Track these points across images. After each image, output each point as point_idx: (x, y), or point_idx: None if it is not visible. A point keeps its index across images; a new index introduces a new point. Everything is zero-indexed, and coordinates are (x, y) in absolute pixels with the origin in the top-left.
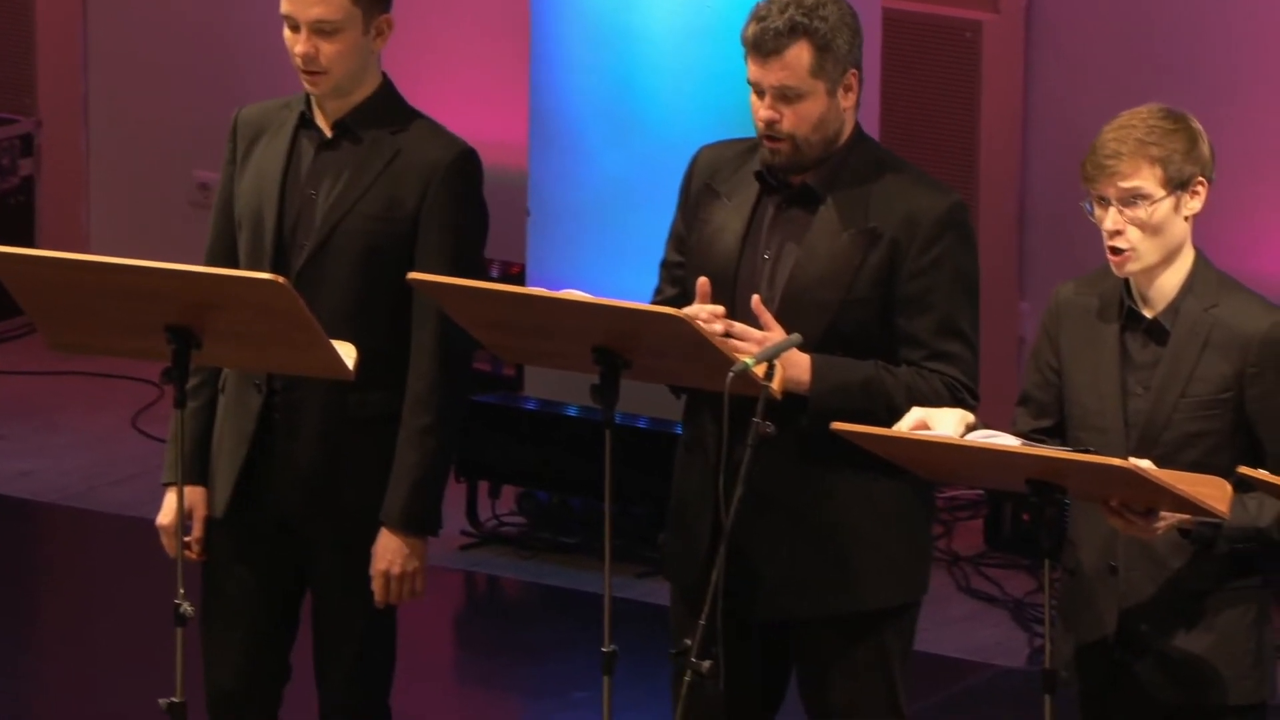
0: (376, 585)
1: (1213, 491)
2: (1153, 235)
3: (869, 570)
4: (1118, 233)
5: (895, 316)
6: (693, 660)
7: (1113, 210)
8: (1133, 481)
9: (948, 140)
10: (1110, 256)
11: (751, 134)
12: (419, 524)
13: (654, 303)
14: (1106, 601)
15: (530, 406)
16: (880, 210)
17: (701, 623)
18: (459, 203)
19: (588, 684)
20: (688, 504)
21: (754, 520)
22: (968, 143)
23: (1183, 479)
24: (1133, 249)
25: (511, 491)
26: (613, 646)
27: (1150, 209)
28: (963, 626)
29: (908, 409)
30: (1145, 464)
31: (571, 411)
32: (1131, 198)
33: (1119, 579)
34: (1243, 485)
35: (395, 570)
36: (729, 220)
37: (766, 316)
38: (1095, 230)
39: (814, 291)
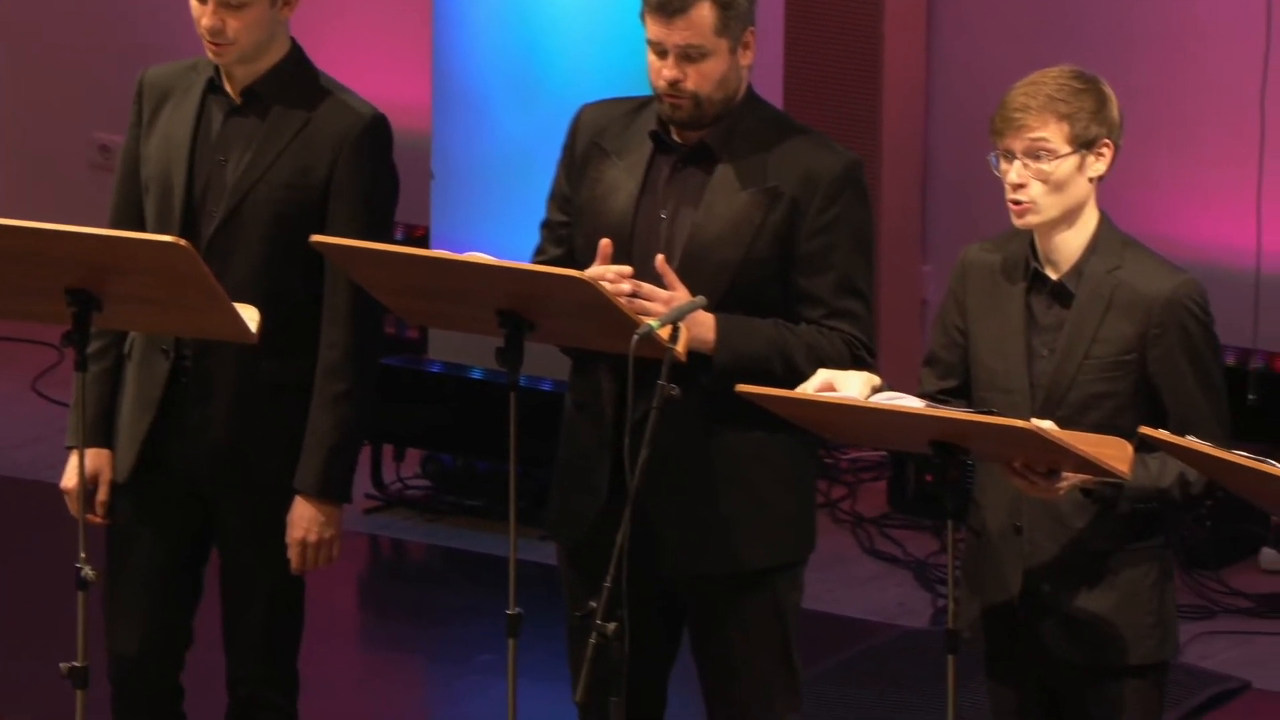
0: (293, 553)
1: (1114, 452)
2: (1055, 191)
3: (765, 527)
4: (1020, 186)
5: (795, 275)
6: (599, 622)
7: (1017, 163)
8: (1035, 443)
9: (850, 103)
10: (1011, 209)
11: (647, 94)
12: (334, 491)
13: (536, 263)
14: (1011, 562)
15: (435, 369)
16: (779, 169)
17: (607, 585)
18: (369, 170)
19: (493, 647)
20: (578, 463)
21: (652, 479)
22: (870, 106)
23: (1084, 440)
24: (1033, 202)
25: (416, 455)
26: (518, 609)
27: (1054, 164)
28: (866, 587)
29: (808, 367)
30: (1047, 425)
31: (476, 374)
32: (1036, 151)
33: (1023, 539)
34: (1145, 446)
35: (312, 538)
36: (622, 180)
37: (671, 276)
38: (998, 193)
39: (714, 251)
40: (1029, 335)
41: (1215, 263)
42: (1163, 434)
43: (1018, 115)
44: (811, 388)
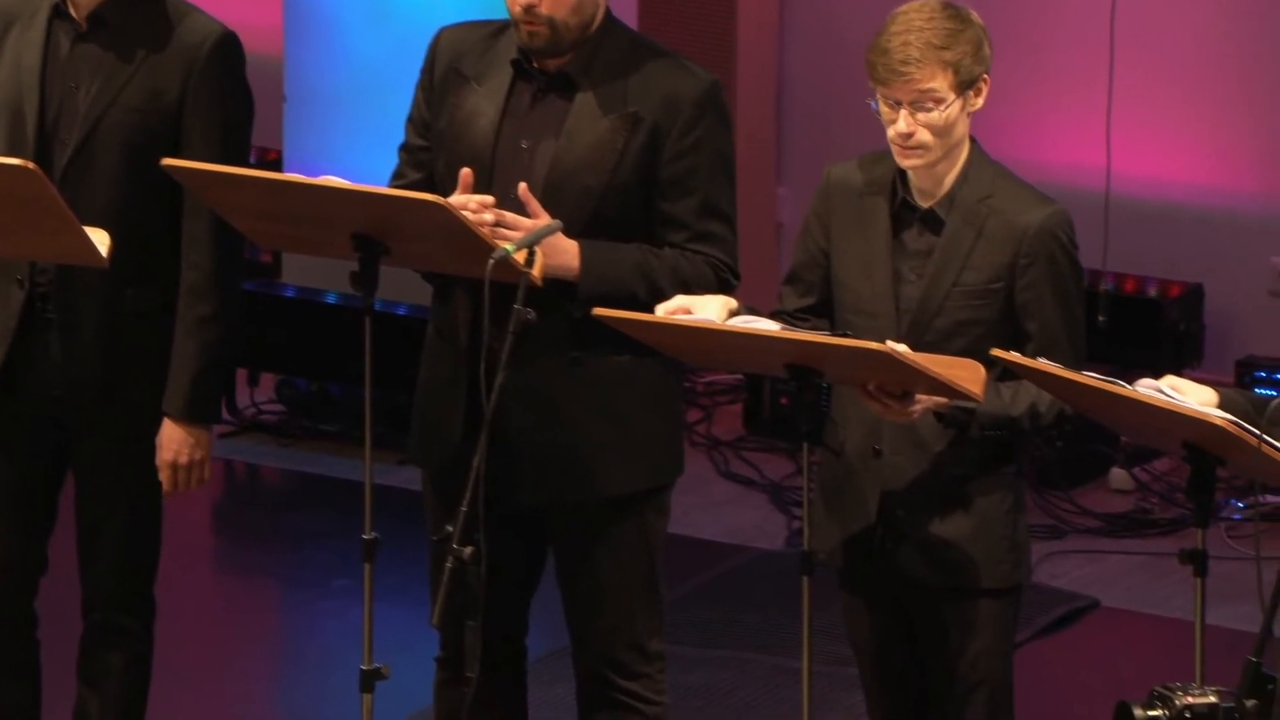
0: (164, 476)
1: (967, 374)
2: (942, 135)
3: (628, 453)
4: (910, 134)
5: (658, 200)
6: (455, 546)
7: (904, 114)
8: (889, 365)
9: (706, 25)
10: (897, 152)
11: (504, 17)
12: (202, 413)
13: (393, 186)
14: (869, 484)
15: (289, 294)
16: (639, 94)
17: (463, 509)
18: (222, 89)
19: (349, 571)
20: (438, 390)
21: (513, 406)
22: (725, 27)
23: (938, 362)
24: (921, 147)
25: (270, 379)
26: (374, 534)
27: (943, 112)
28: (722, 510)
29: (673, 291)
30: (901, 347)
31: (330, 299)
32: (924, 102)
33: (882, 462)
34: (1007, 374)
35: (182, 460)
36: (482, 106)
37: (534, 204)
38: (853, 115)
39: (576, 178)
40: (896, 260)
41: (1065, 185)
42: (1015, 356)
43: (904, 68)
44: (665, 311)
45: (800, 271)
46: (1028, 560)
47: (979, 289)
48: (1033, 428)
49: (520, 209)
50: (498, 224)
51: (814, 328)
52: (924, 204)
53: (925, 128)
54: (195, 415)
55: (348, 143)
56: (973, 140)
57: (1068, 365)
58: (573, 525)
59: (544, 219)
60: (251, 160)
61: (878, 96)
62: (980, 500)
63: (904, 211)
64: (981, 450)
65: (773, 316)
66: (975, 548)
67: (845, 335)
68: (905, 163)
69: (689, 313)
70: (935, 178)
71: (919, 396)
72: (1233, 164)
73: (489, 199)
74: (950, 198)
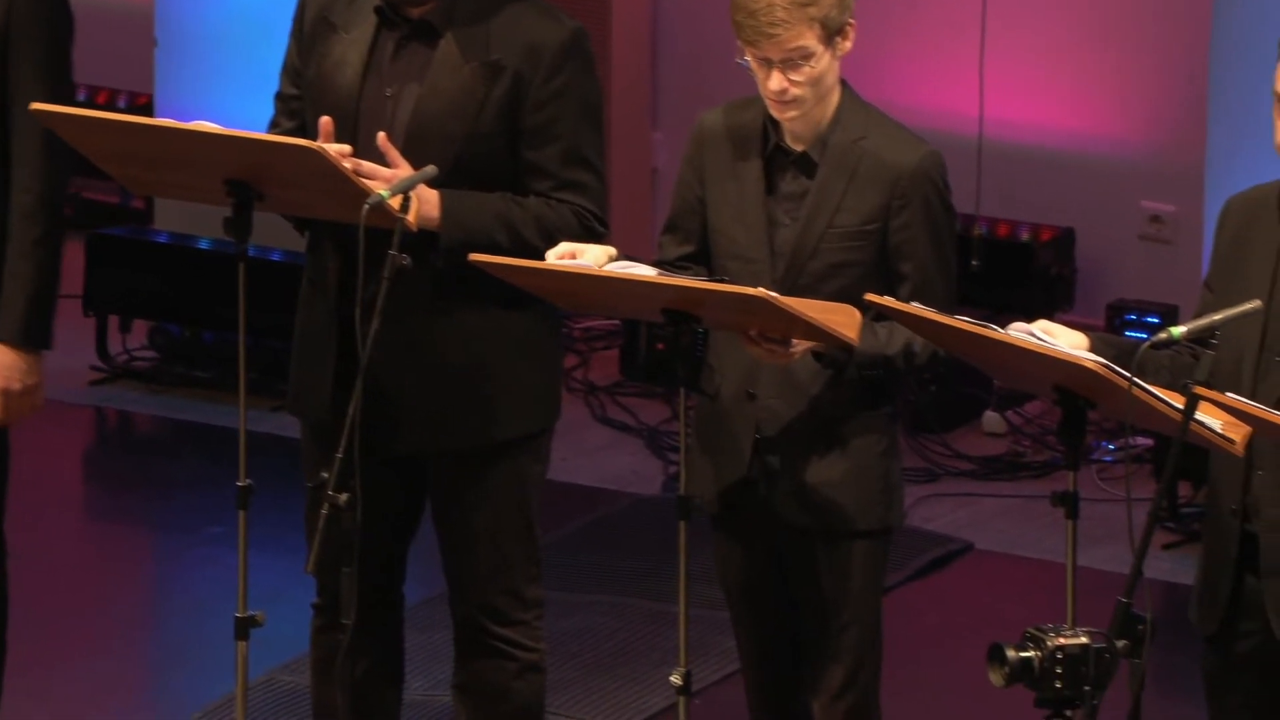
0: None
1: (842, 319)
2: (814, 86)
3: (502, 401)
4: (784, 90)
5: (522, 148)
6: (330, 493)
7: (776, 73)
8: (765, 309)
9: None
10: (777, 112)
11: None
12: (37, 338)
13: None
14: (744, 427)
15: (161, 239)
16: (502, 42)
17: (339, 456)
18: (44, 9)
19: (223, 518)
20: (313, 338)
21: (387, 355)
22: None
23: (813, 306)
24: (798, 100)
25: (143, 326)
26: (248, 481)
27: (814, 66)
28: (599, 455)
29: (538, 240)
30: (773, 295)
31: (203, 244)
32: (795, 60)
33: (757, 405)
34: (881, 316)
35: (15, 386)
36: (348, 54)
37: (393, 153)
38: (728, 60)
39: (438, 126)
40: (770, 204)
41: (939, 130)
42: (888, 300)
43: (771, 29)
44: (553, 257)
45: (678, 220)
46: (901, 503)
47: (853, 231)
48: (908, 368)
49: (384, 158)
50: (355, 173)
51: (694, 274)
52: (797, 148)
53: (797, 83)
54: (31, 340)
55: (221, 88)
56: (844, 83)
57: (941, 306)
58: (448, 472)
59: (404, 168)
60: (122, 105)
61: (747, 54)
62: (855, 443)
63: (777, 155)
64: (856, 393)
65: (654, 266)
66: (849, 490)
67: (722, 280)
68: (782, 117)
69: (574, 258)
70: (809, 122)
71: (795, 339)
72: (1104, 109)
73: (345, 148)
74: (823, 141)
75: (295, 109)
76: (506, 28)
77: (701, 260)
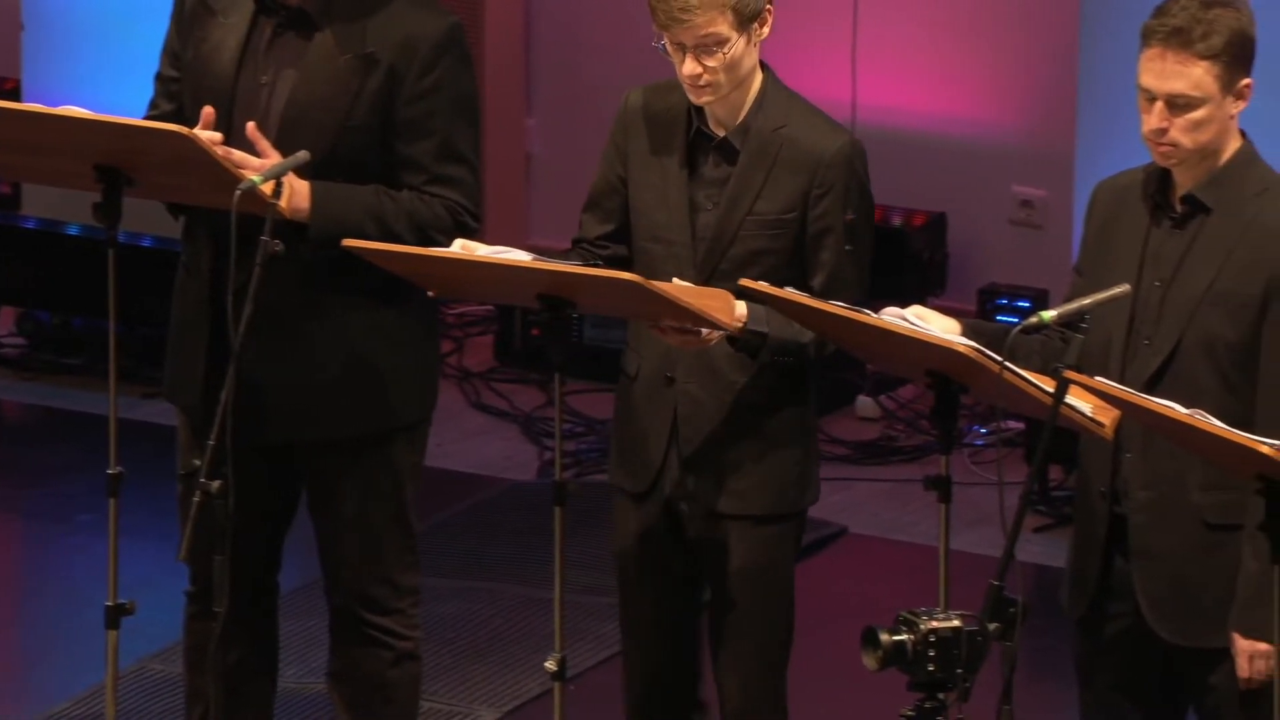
0: None
1: (717, 304)
2: (730, 71)
3: (376, 391)
4: (698, 75)
5: (395, 141)
6: (202, 480)
7: (690, 58)
8: (638, 294)
9: None
10: (693, 96)
11: None
12: None
13: (149, 118)
14: (662, 410)
15: (29, 225)
16: (378, 35)
17: (210, 443)
18: None
19: (93, 506)
20: (187, 325)
21: (261, 342)
22: None
23: (688, 291)
24: (712, 84)
25: (11, 312)
26: (119, 468)
27: (728, 52)
28: (474, 441)
29: (408, 234)
30: (637, 278)
31: (73, 230)
32: (709, 45)
33: (675, 389)
34: (751, 296)
35: None
36: (225, 39)
37: (263, 143)
38: (602, 45)
39: (311, 116)
40: (693, 188)
41: None
42: (762, 285)
43: (683, 15)
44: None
45: (599, 198)
46: (816, 485)
47: (772, 218)
48: (818, 356)
49: (254, 147)
50: (227, 160)
51: (612, 255)
52: (719, 133)
53: (711, 69)
54: None
55: (91, 72)
56: (767, 69)
57: (854, 294)
58: (323, 461)
59: (274, 157)
60: None
61: (663, 39)
62: (771, 428)
63: (700, 140)
64: (774, 378)
65: (573, 244)
66: (763, 474)
67: (595, 265)
68: (697, 100)
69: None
70: (730, 107)
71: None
72: (975, 95)
73: (216, 135)
74: (745, 127)
75: (174, 91)
76: (383, 20)
77: (622, 239)
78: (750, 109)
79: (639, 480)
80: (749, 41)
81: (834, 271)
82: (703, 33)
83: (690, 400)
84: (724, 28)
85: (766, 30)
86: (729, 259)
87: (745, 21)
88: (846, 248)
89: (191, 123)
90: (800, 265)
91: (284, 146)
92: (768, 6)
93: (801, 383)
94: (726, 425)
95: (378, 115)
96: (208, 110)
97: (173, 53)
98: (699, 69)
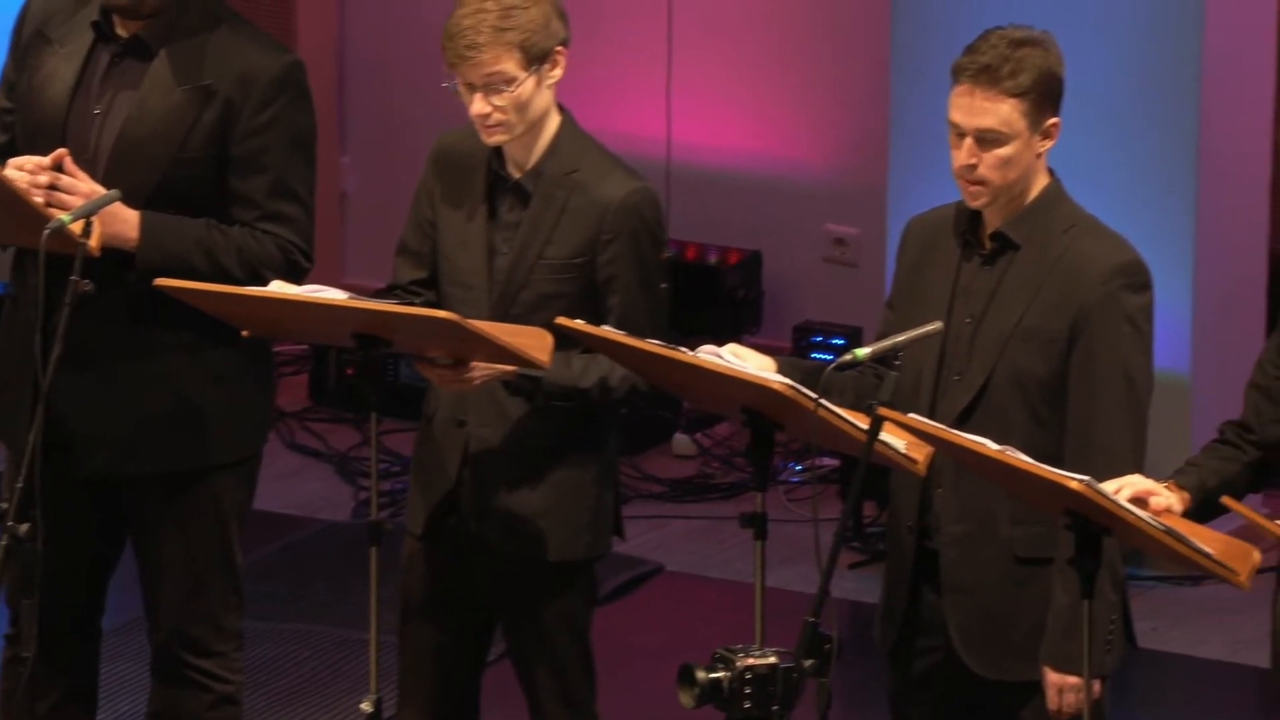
0: None
1: (533, 342)
2: (519, 111)
3: (201, 426)
4: (487, 114)
5: (229, 176)
6: (10, 524)
7: (478, 97)
8: (455, 333)
9: None
10: (484, 136)
11: None
12: None
13: None
14: (452, 452)
15: None
16: (216, 67)
17: (19, 485)
18: None
19: None
20: (11, 360)
21: (78, 379)
22: None
23: (504, 330)
24: (501, 125)
25: None
26: None
27: (514, 91)
28: (288, 481)
29: (238, 270)
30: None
31: None
32: (496, 84)
33: (467, 431)
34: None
35: None
36: (60, 69)
37: (79, 172)
38: (416, 83)
39: (145, 147)
40: (491, 232)
41: (627, 154)
42: (578, 323)
43: (470, 53)
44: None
45: (410, 243)
46: (609, 533)
47: (562, 263)
48: (603, 400)
49: (91, 171)
50: (52, 186)
51: (426, 302)
52: (515, 175)
53: (500, 108)
54: None
55: None
56: (565, 112)
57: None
58: (148, 498)
59: (97, 186)
60: None
61: (455, 79)
62: (562, 472)
63: (499, 182)
64: (566, 422)
65: (387, 289)
66: (554, 519)
67: (411, 303)
68: (489, 140)
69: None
70: (524, 149)
71: (476, 365)
72: (789, 134)
73: (45, 160)
74: (538, 170)
75: (9, 122)
76: (222, 53)
77: (435, 285)
78: (544, 152)
79: (428, 522)
80: (539, 82)
81: (624, 316)
82: (488, 70)
83: (481, 443)
84: (510, 65)
85: (559, 72)
86: (520, 303)
87: (533, 61)
88: (636, 293)
89: (23, 154)
90: (593, 309)
91: (114, 178)
92: (558, 49)
93: (599, 426)
94: (518, 469)
95: (213, 148)
96: (61, 152)
97: (8, 83)
98: (488, 108)
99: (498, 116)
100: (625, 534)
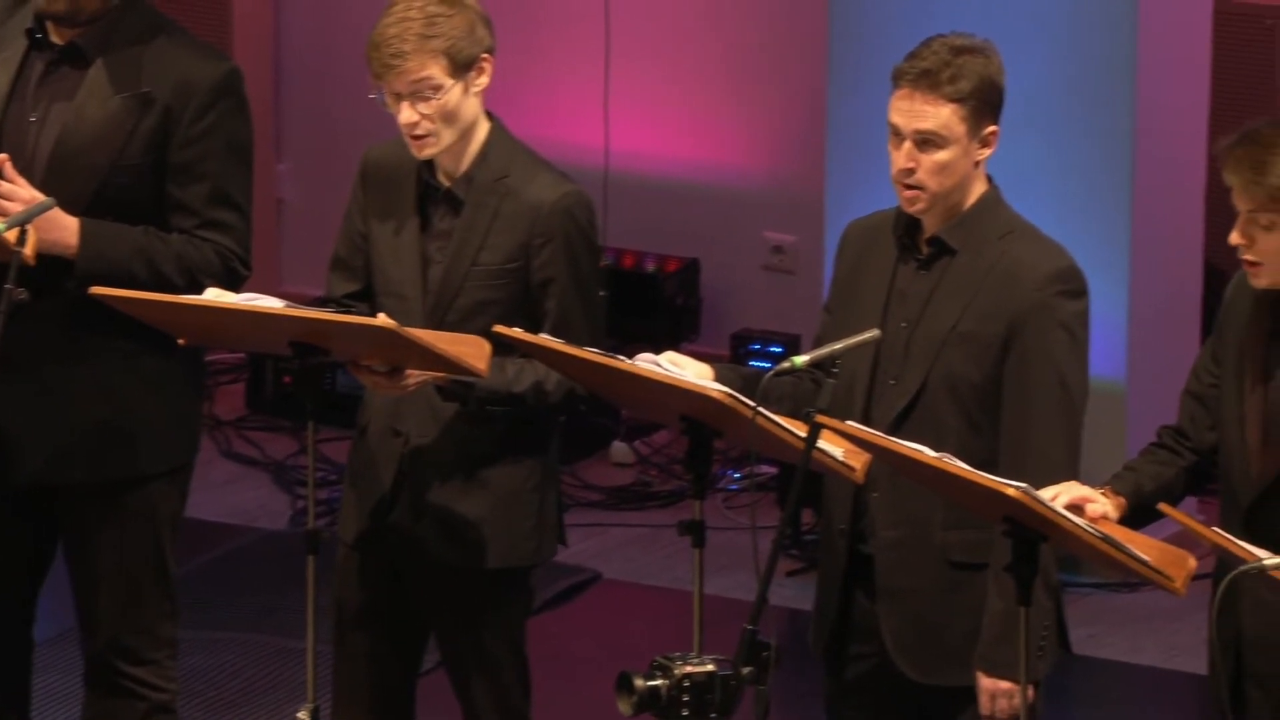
0: None
1: (471, 350)
2: (446, 121)
3: (133, 435)
4: (415, 124)
5: (168, 184)
6: None
7: (405, 105)
8: (392, 340)
9: None
10: (414, 149)
11: None
12: None
13: None
14: (388, 461)
15: None
16: (154, 75)
17: None
18: None
19: None
20: None
21: (13, 387)
22: (221, 1)
23: (442, 338)
24: (429, 135)
25: None
26: None
27: (441, 99)
28: (224, 490)
29: (177, 277)
30: (392, 323)
31: None
32: (421, 91)
33: (402, 439)
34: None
35: None
36: None
37: (18, 178)
38: (352, 90)
39: (82, 155)
40: (424, 242)
41: (565, 163)
42: (516, 332)
43: (395, 61)
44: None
45: (344, 256)
46: (553, 539)
47: (495, 269)
48: (538, 405)
49: (29, 179)
50: None
51: (333, 308)
52: (445, 183)
53: (428, 116)
54: None
55: None
56: (494, 119)
57: (582, 344)
58: (78, 507)
59: (26, 190)
60: None
61: (382, 90)
62: (501, 479)
63: (430, 192)
64: (504, 429)
65: (321, 302)
66: (493, 526)
67: (349, 311)
68: (418, 153)
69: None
70: (454, 158)
71: (410, 371)
72: (726, 142)
73: None
74: (468, 178)
75: None
76: (160, 60)
77: (369, 297)
78: (474, 159)
79: (363, 531)
80: (465, 90)
81: (559, 321)
82: (414, 78)
83: (419, 452)
84: (436, 72)
85: (485, 80)
86: (455, 310)
87: (459, 68)
88: (571, 296)
89: None
90: (528, 315)
91: (52, 185)
92: (484, 56)
93: (539, 432)
94: (457, 476)
95: (151, 155)
96: (1, 157)
97: None
98: (415, 116)
99: (426, 125)
100: (568, 540)
